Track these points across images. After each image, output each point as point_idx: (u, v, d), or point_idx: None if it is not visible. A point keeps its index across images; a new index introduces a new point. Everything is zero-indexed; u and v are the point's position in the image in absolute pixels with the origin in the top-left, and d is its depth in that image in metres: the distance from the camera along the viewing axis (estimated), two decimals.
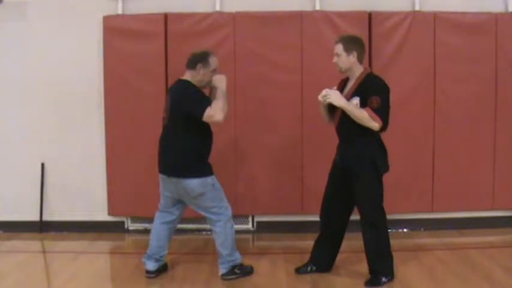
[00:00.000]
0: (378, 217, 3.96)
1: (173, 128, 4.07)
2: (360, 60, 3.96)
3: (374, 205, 3.95)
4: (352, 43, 3.94)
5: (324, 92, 3.94)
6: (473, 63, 5.35)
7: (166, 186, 4.18)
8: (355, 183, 3.95)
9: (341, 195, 4.08)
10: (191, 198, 4.09)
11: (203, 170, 4.06)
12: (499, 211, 5.55)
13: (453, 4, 5.40)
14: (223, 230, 4.14)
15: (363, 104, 3.84)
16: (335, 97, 3.90)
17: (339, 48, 3.94)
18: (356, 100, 3.87)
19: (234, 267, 4.21)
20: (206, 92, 4.14)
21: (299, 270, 4.28)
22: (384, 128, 3.91)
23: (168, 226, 4.29)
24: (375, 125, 3.80)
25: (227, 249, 4.16)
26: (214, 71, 4.11)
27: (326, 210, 4.19)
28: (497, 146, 5.44)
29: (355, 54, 3.91)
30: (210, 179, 4.07)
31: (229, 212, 4.19)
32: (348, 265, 4.41)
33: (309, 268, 4.26)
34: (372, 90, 3.84)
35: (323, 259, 4.26)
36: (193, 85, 4.05)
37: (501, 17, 5.39)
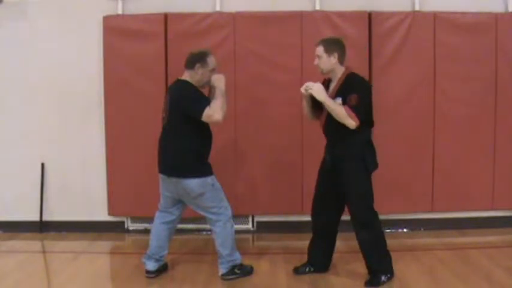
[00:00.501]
0: (368, 216, 3.96)
1: (172, 128, 4.06)
2: (341, 61, 3.97)
3: (364, 204, 3.95)
4: (332, 45, 3.96)
5: (307, 83, 3.97)
6: (473, 63, 5.35)
7: (166, 186, 4.18)
8: (344, 182, 3.95)
9: (331, 194, 4.08)
10: (191, 198, 4.09)
11: (203, 170, 4.06)
12: (499, 211, 5.54)
13: (453, 4, 5.40)
14: (223, 230, 4.14)
15: (345, 104, 3.86)
16: (316, 90, 3.92)
17: (320, 50, 3.97)
18: (339, 101, 3.89)
19: (234, 267, 4.20)
20: (205, 91, 4.14)
21: (298, 271, 4.28)
22: (368, 125, 3.95)
23: (168, 226, 4.29)
24: (351, 122, 3.82)
25: (227, 249, 4.16)
26: (212, 71, 4.10)
27: (317, 211, 4.19)
28: (497, 146, 5.44)
29: (336, 55, 3.93)
30: (209, 179, 4.07)
31: (229, 212, 4.19)
32: (347, 265, 4.41)
33: (307, 269, 4.26)
34: (351, 88, 3.87)
35: (319, 259, 4.26)
36: (192, 85, 4.04)
37: (501, 17, 5.38)
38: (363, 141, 3.99)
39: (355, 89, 3.86)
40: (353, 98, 3.82)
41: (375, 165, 4.02)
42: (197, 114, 3.90)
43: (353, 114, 3.80)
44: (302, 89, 3.99)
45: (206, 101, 3.96)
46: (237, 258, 4.23)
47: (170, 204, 4.24)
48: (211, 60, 4.09)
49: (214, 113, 3.89)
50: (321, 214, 4.17)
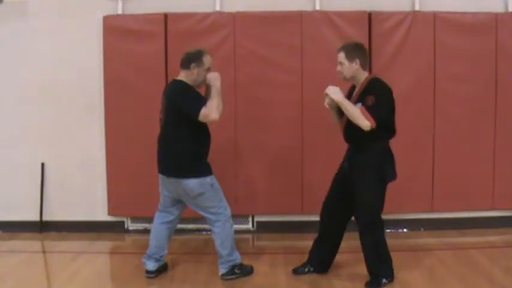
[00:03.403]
0: (375, 224, 3.92)
1: (170, 129, 4.06)
2: (364, 66, 3.94)
3: (374, 213, 3.91)
4: (353, 51, 3.92)
5: (326, 90, 3.92)
6: (473, 63, 5.35)
7: (165, 186, 4.18)
8: (359, 189, 3.90)
9: (344, 199, 4.06)
10: (190, 198, 4.09)
11: (202, 170, 4.06)
12: (499, 211, 5.54)
13: (453, 4, 5.40)
14: (223, 230, 4.14)
15: None
16: (333, 91, 3.88)
17: (341, 56, 3.92)
18: (359, 106, 3.83)
19: (233, 267, 4.20)
20: (201, 91, 4.13)
21: (297, 271, 4.27)
22: (389, 132, 3.91)
23: (167, 226, 4.28)
24: (366, 123, 3.75)
25: (226, 249, 4.16)
26: (208, 70, 4.09)
27: (327, 213, 4.17)
28: (497, 146, 5.44)
29: (357, 61, 3.89)
30: (209, 179, 4.07)
31: (228, 212, 4.19)
32: (347, 266, 4.41)
33: (306, 269, 4.25)
34: (370, 91, 3.83)
35: (321, 260, 4.26)
36: (187, 85, 4.04)
37: (501, 17, 5.38)
38: (383, 149, 3.94)
39: (373, 91, 3.82)
40: (369, 99, 3.78)
41: (394, 176, 3.95)
42: (194, 115, 3.90)
43: (368, 115, 3.74)
44: (326, 104, 3.96)
45: (202, 101, 3.96)
46: (237, 258, 4.23)
47: (170, 204, 4.24)
48: (206, 59, 4.08)
49: (210, 112, 3.89)
50: (331, 217, 4.14)
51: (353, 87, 4.06)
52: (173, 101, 4.00)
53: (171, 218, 4.28)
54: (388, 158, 3.95)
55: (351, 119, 3.81)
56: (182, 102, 3.95)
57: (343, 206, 4.08)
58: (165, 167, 4.11)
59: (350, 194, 3.99)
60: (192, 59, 4.05)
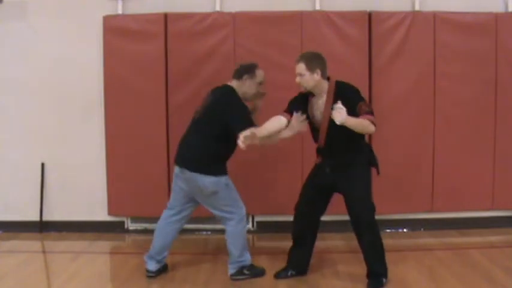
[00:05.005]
0: (372, 215, 3.92)
1: (202, 127, 4.05)
2: (324, 76, 3.92)
3: (372, 212, 3.91)
4: (314, 61, 3.89)
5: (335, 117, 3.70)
6: (473, 63, 5.35)
7: (179, 182, 4.13)
8: (353, 189, 3.90)
9: (318, 201, 4.10)
10: (204, 196, 4.07)
11: (218, 169, 4.05)
12: (499, 211, 5.55)
13: (453, 4, 5.40)
14: (235, 230, 4.12)
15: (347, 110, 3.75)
16: (343, 117, 3.65)
17: (301, 67, 3.90)
18: (339, 104, 3.69)
19: (243, 267, 4.18)
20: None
21: (279, 275, 4.22)
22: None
23: (174, 227, 4.24)
24: (372, 128, 3.77)
25: (237, 249, 4.14)
26: (259, 84, 4.13)
27: (302, 216, 4.17)
28: (497, 146, 5.44)
29: (318, 72, 3.87)
30: (224, 179, 4.06)
31: (243, 212, 4.16)
32: (347, 265, 4.41)
33: (289, 273, 4.22)
34: (352, 97, 3.81)
35: (301, 263, 4.24)
36: (238, 96, 4.06)
37: (501, 17, 5.38)
38: (367, 146, 4.03)
39: (358, 98, 3.83)
40: (363, 105, 3.78)
41: (378, 171, 4.02)
42: (236, 130, 3.84)
43: (374, 120, 3.76)
44: (339, 122, 3.73)
45: (250, 121, 3.96)
46: (247, 259, 4.21)
47: (180, 202, 4.19)
48: (259, 73, 4.13)
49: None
50: (306, 219, 4.16)
51: (304, 95, 4.05)
52: (220, 107, 4.00)
53: (179, 217, 4.22)
54: (373, 154, 4.02)
55: (360, 129, 3.77)
56: (230, 113, 3.95)
57: (318, 210, 4.13)
58: (183, 159, 4.07)
59: (328, 195, 4.05)
60: (245, 71, 4.10)
